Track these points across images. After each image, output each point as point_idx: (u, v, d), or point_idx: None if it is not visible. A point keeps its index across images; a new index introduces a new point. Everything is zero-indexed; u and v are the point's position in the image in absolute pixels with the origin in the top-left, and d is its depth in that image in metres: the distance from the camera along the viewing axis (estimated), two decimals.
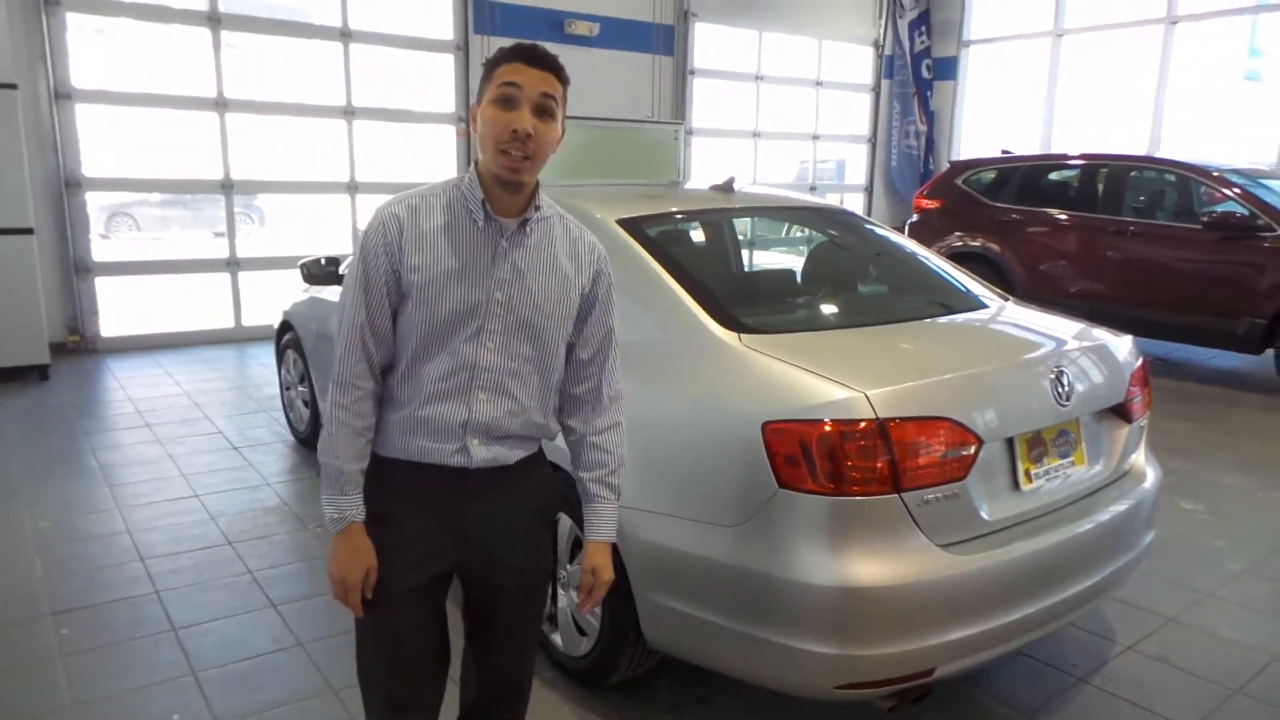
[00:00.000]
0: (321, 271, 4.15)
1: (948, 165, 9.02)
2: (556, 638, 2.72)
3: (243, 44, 7.48)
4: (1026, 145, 10.38)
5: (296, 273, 4.39)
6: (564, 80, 1.59)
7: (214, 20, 7.17)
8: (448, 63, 8.52)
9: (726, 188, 3.28)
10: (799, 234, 3.53)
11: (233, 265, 7.70)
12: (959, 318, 2.82)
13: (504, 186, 1.59)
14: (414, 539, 1.68)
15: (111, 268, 7.37)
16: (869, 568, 2.00)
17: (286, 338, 4.88)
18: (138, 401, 5.42)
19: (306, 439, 4.82)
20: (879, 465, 2.00)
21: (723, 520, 2.14)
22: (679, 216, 3.14)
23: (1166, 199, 7.05)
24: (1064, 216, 7.29)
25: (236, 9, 7.27)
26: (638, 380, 2.41)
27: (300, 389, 4.79)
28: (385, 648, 1.74)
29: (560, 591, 2.69)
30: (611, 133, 9.20)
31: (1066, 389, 2.37)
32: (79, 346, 7.04)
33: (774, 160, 11.34)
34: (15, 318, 5.98)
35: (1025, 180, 7.72)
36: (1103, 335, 2.74)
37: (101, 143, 7.12)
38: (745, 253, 3.60)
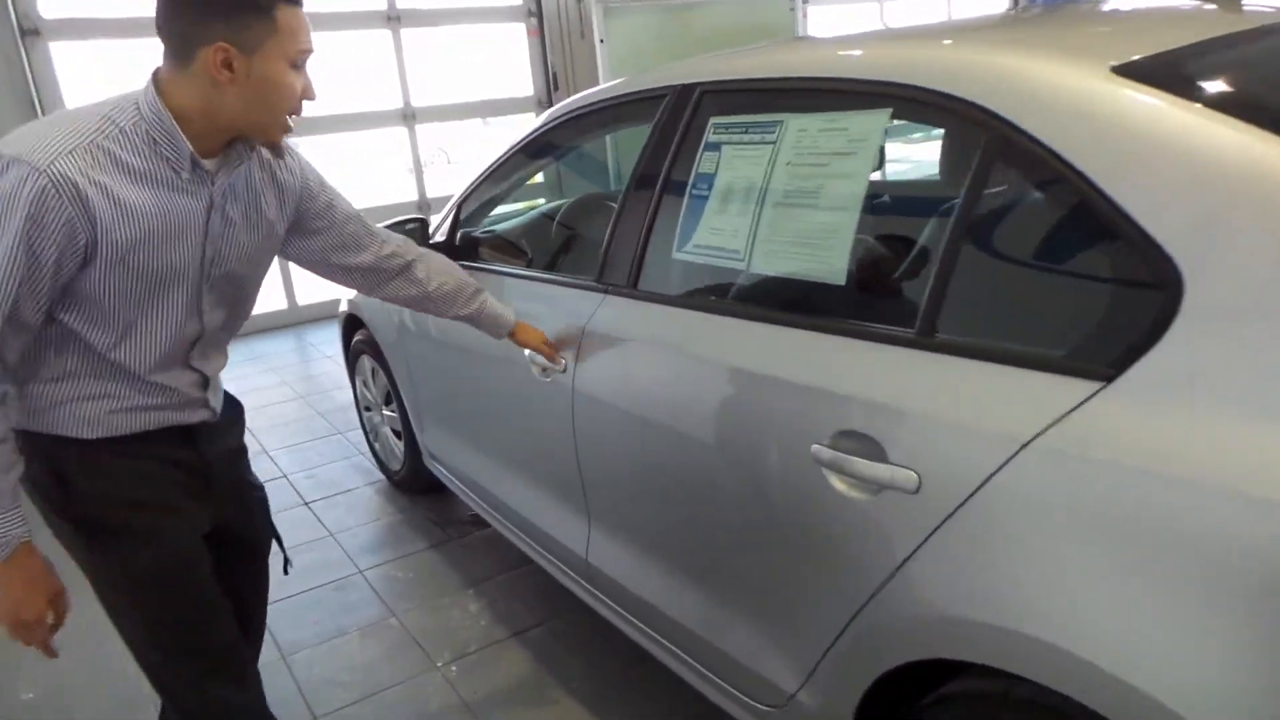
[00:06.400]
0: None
1: None
2: None
3: None
4: None
5: None
6: None
7: None
8: None
9: None
10: None
11: None
12: None
13: (271, 149, 1.44)
14: (175, 506, 1.49)
15: None
16: None
17: (357, 338, 3.31)
18: None
19: (403, 479, 3.32)
20: None
21: None
22: (1223, 46, 1.37)
23: None
24: None
25: None
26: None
27: (387, 412, 3.25)
28: (191, 617, 1.50)
29: None
30: (705, 9, 7.30)
31: None
32: None
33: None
34: None
35: None
36: None
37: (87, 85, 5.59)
38: None
